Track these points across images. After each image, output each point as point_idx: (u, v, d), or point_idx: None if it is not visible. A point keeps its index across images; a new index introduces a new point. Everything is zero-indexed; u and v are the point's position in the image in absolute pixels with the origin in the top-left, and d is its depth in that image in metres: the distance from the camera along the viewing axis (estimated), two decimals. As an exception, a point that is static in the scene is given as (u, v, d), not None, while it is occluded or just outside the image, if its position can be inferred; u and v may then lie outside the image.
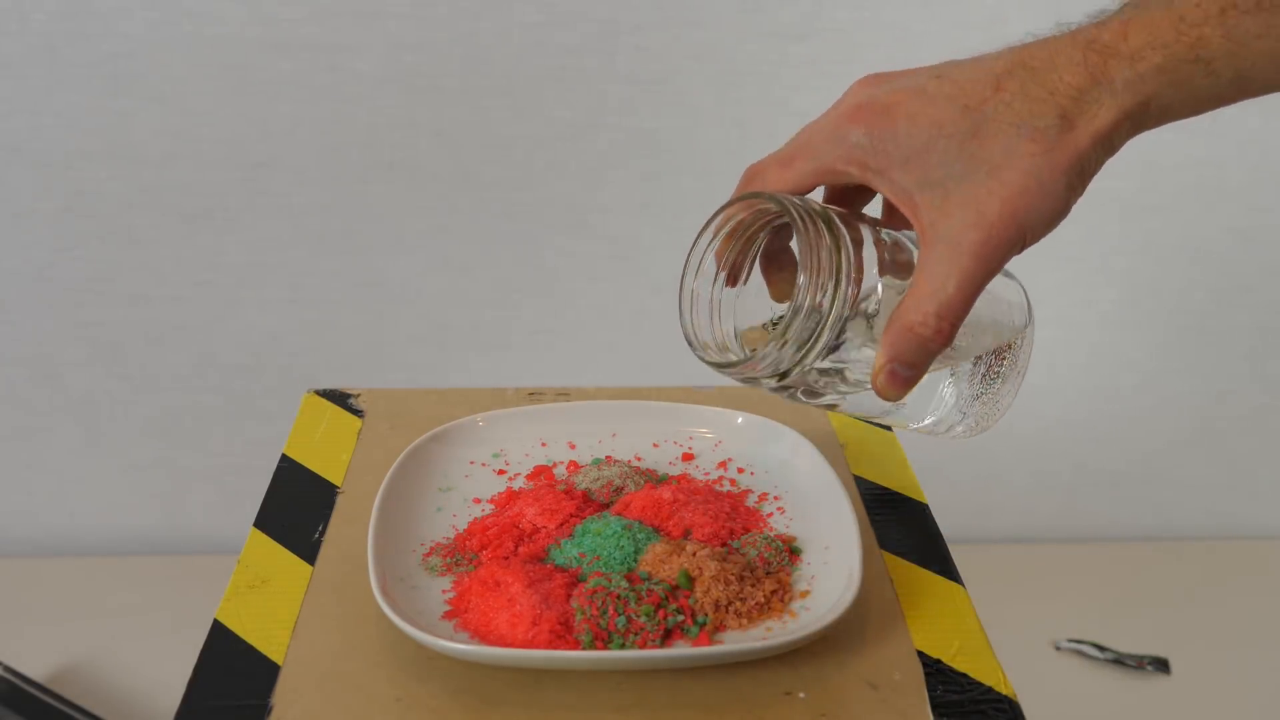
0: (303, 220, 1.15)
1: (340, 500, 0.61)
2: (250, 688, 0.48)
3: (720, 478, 0.62)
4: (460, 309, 1.20)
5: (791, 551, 0.55)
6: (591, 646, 0.48)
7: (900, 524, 0.60)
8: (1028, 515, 1.34)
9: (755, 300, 0.53)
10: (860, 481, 0.63)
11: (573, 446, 0.64)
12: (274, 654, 0.50)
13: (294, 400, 0.73)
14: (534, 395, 0.71)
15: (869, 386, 0.48)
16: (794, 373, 0.48)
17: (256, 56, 1.07)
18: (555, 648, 0.48)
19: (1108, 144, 0.44)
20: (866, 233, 0.49)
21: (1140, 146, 1.25)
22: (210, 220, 1.14)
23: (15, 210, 1.13)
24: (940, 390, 0.53)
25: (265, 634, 0.51)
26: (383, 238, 1.16)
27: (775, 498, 0.60)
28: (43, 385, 1.21)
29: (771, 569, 0.53)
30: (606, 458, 0.63)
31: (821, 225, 0.46)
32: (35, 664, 1.09)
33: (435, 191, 1.14)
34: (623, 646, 0.48)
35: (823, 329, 0.47)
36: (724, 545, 0.54)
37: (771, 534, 0.55)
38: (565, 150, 1.12)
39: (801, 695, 0.48)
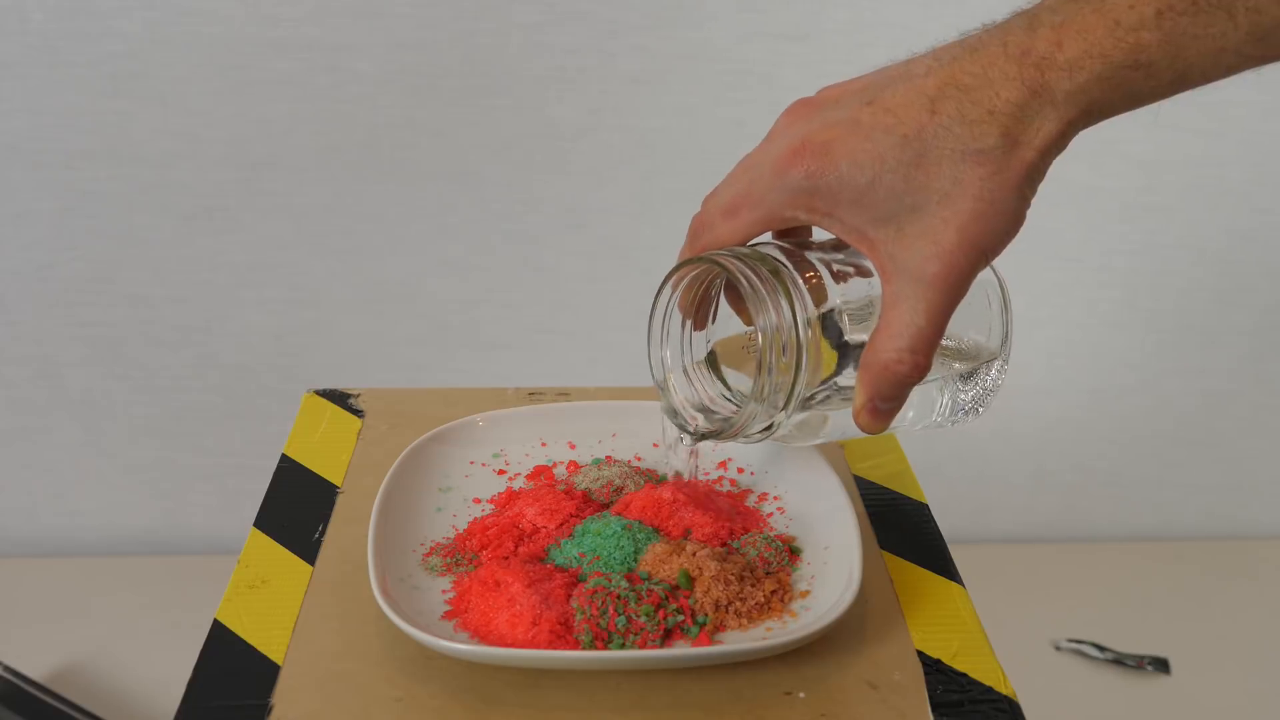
0: (303, 220, 1.15)
1: (340, 500, 0.61)
2: (250, 688, 0.48)
3: (720, 478, 0.62)
4: (460, 309, 1.20)
5: (791, 551, 0.55)
6: (591, 646, 0.48)
7: (900, 524, 0.60)
8: (1028, 515, 1.34)
9: (725, 327, 0.54)
10: (860, 481, 0.63)
11: (573, 446, 0.64)
12: (274, 654, 0.50)
13: (294, 400, 0.73)
14: (534, 395, 0.71)
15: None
16: (780, 425, 0.48)
17: (256, 56, 1.07)
18: (555, 648, 0.48)
19: (1055, 150, 0.44)
20: (817, 263, 0.48)
21: (1140, 146, 1.25)
22: (210, 220, 1.14)
23: (15, 210, 1.13)
24: (938, 396, 0.53)
25: (265, 634, 0.51)
26: (383, 238, 1.16)
27: (775, 497, 0.60)
28: (43, 385, 1.21)
29: (771, 569, 0.53)
30: (606, 458, 0.63)
31: (770, 279, 0.47)
32: (35, 664, 1.09)
33: (435, 191, 1.14)
34: (623, 646, 0.48)
35: (796, 381, 0.47)
36: (724, 545, 0.54)
37: (771, 534, 0.55)
38: (565, 150, 1.12)
39: (801, 695, 0.48)
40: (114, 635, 1.14)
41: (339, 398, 0.71)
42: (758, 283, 0.47)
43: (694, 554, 0.52)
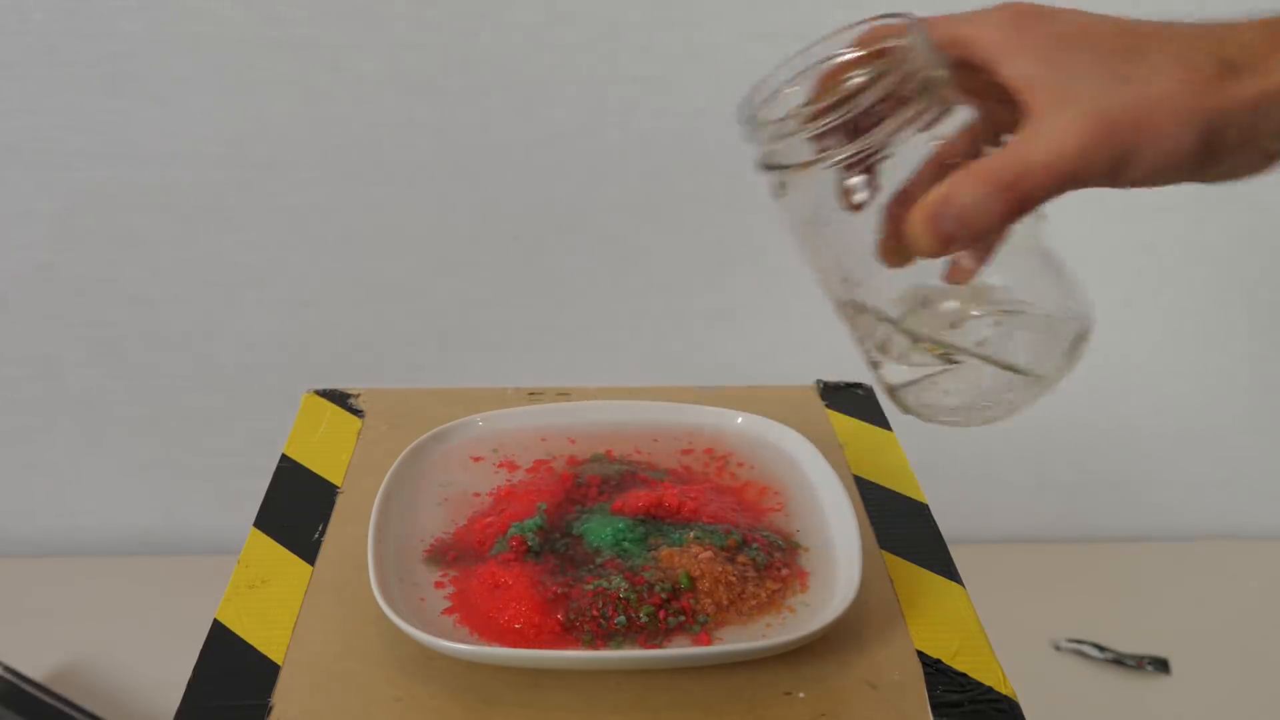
0: (303, 220, 1.15)
1: (340, 500, 0.61)
2: (250, 688, 0.48)
3: (720, 472, 0.62)
4: (460, 309, 1.20)
5: (792, 550, 0.55)
6: (591, 646, 0.48)
7: (900, 524, 0.60)
8: (1028, 515, 1.34)
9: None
10: (860, 481, 0.63)
11: (572, 442, 0.64)
12: (274, 654, 0.50)
13: (294, 400, 0.73)
14: (534, 395, 0.71)
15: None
16: (877, 141, 0.44)
17: (256, 56, 1.07)
18: (555, 648, 0.48)
19: (1269, 109, 0.39)
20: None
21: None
22: (210, 220, 1.14)
23: (15, 210, 1.13)
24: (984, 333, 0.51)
25: (265, 634, 0.51)
26: (383, 238, 1.16)
27: (775, 492, 0.60)
28: (43, 385, 1.21)
29: (772, 568, 0.53)
30: (607, 452, 0.63)
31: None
32: (35, 664, 1.09)
33: (435, 191, 1.14)
34: (622, 646, 0.48)
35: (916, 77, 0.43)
36: (725, 543, 0.54)
37: (772, 533, 0.55)
38: (565, 150, 1.12)
39: (801, 695, 0.48)
40: (114, 635, 1.14)
41: (339, 398, 0.71)
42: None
43: (695, 554, 0.52)
